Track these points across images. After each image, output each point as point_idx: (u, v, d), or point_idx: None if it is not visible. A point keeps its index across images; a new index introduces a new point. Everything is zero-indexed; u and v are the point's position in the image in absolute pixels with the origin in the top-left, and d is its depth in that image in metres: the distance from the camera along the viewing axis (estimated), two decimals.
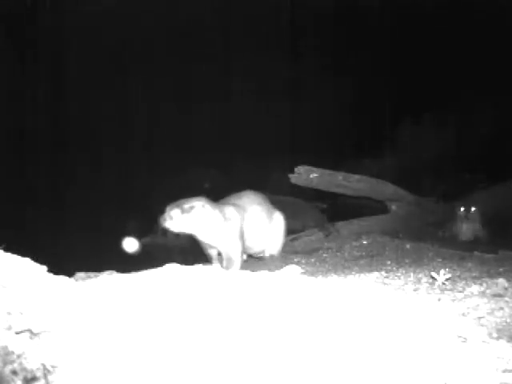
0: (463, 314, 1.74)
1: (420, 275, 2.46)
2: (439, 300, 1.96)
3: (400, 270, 2.72)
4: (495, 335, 1.53)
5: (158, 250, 6.17)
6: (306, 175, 4.38)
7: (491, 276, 2.40)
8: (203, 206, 3.16)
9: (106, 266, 2.84)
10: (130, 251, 5.63)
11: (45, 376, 1.21)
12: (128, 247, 5.64)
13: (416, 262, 3.09)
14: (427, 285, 2.25)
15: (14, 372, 1.21)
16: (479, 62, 8.29)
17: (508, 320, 1.66)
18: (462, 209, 4.63)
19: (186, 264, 2.03)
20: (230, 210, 3.31)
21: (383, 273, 2.60)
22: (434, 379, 1.25)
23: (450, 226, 4.72)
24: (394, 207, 4.85)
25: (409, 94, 8.70)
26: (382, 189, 4.72)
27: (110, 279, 1.75)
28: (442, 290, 2.14)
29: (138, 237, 6.49)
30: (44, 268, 1.49)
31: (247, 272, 2.06)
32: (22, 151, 9.23)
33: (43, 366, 1.22)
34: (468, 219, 4.61)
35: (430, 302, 1.92)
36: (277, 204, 3.77)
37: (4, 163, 8.23)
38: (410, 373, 1.27)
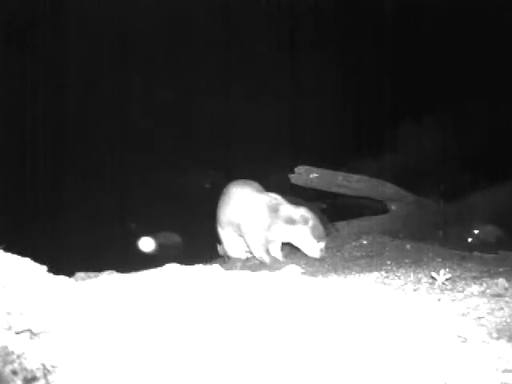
0: (463, 314, 1.74)
1: (420, 275, 2.47)
2: (439, 300, 1.96)
3: (400, 270, 2.72)
4: (495, 335, 1.53)
5: (158, 249, 6.18)
6: (306, 175, 4.39)
7: (491, 276, 2.40)
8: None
9: (106, 266, 2.84)
10: (147, 250, 5.65)
11: (45, 376, 1.21)
12: (145, 247, 5.66)
13: (416, 262, 3.09)
14: (427, 285, 2.25)
15: (14, 372, 1.21)
16: (479, 62, 8.29)
17: (508, 320, 1.66)
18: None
19: (186, 264, 2.03)
20: None
21: (383, 273, 2.61)
22: (434, 379, 1.25)
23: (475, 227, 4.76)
24: (393, 207, 4.85)
25: (409, 95, 8.70)
26: (382, 189, 4.72)
27: (109, 279, 1.74)
28: (442, 290, 2.14)
29: (138, 237, 6.51)
30: (44, 268, 1.49)
31: (247, 272, 2.06)
32: (22, 151, 9.23)
33: (43, 365, 1.22)
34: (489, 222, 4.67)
35: (430, 302, 1.92)
36: None
37: (4, 163, 8.23)
38: (410, 373, 1.27)
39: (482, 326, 1.61)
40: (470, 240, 4.64)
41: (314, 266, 3.38)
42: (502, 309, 1.78)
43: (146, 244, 5.70)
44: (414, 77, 8.76)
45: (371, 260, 3.37)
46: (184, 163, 9.78)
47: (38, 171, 8.94)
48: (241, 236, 3.68)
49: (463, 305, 1.86)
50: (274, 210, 3.48)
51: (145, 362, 1.26)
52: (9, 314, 1.27)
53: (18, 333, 1.26)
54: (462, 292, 2.08)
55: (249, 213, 3.54)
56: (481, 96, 8.25)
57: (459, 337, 1.50)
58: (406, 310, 1.73)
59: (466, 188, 5.84)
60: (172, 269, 1.87)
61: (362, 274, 2.59)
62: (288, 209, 3.49)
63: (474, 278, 2.38)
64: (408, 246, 3.74)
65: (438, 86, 8.40)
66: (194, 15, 10.56)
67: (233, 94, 10.38)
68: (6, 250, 1.51)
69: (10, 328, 1.25)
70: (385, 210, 4.92)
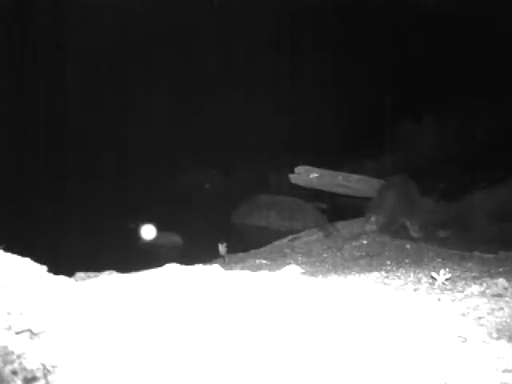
0: (463, 314, 1.74)
1: (420, 275, 2.47)
2: (439, 300, 1.97)
3: (400, 269, 2.72)
4: (495, 335, 1.53)
5: (159, 250, 6.18)
6: (306, 175, 4.39)
7: (491, 276, 2.40)
8: None
9: (106, 266, 2.84)
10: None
11: (45, 376, 1.21)
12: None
13: (416, 262, 3.09)
14: (427, 285, 2.25)
15: (14, 372, 1.21)
16: (480, 62, 8.29)
17: (508, 320, 1.66)
18: None
19: (186, 264, 2.03)
20: None
21: (383, 273, 2.61)
22: (434, 379, 1.25)
23: None
24: None
25: (409, 95, 8.70)
26: None
27: (109, 279, 1.75)
28: (442, 290, 2.14)
29: (139, 237, 6.50)
30: (44, 268, 1.49)
31: (247, 272, 2.06)
32: (23, 151, 9.23)
33: (43, 365, 1.21)
34: None
35: (430, 302, 1.92)
36: (277, 204, 3.77)
37: (4, 163, 8.23)
38: (410, 373, 1.27)
39: (482, 326, 1.61)
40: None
41: (314, 265, 3.38)
42: (501, 309, 1.78)
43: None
44: (414, 77, 8.76)
45: (371, 260, 3.37)
46: (184, 163, 9.79)
47: (38, 171, 8.94)
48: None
49: (463, 305, 1.86)
50: None
51: (144, 362, 1.25)
52: (9, 314, 1.27)
53: (18, 333, 1.26)
54: (462, 292, 2.08)
55: None
56: (481, 96, 8.25)
57: (459, 337, 1.50)
58: (406, 310, 1.73)
59: (466, 188, 5.83)
60: (172, 269, 1.87)
61: (362, 274, 2.59)
62: None
63: (474, 278, 2.38)
64: (408, 246, 3.74)
65: (438, 86, 8.40)
66: (194, 15, 10.56)
67: (233, 94, 10.38)
68: (6, 250, 1.50)
69: (9, 328, 1.25)
70: None
